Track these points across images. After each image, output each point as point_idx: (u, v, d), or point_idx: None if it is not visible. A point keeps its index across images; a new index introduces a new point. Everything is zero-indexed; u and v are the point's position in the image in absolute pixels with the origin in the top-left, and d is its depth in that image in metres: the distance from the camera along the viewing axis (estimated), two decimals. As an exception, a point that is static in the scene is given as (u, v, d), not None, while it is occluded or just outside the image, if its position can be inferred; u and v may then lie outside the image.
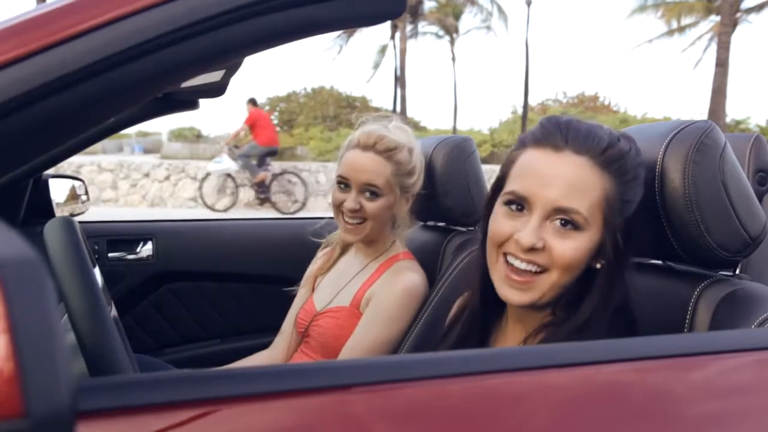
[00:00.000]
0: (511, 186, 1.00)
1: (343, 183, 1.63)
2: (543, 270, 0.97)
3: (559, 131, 0.98)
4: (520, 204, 0.99)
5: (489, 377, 0.69)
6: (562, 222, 0.96)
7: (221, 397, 0.61)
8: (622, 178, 0.97)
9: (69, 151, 1.87)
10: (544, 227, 0.97)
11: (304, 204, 11.98)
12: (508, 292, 0.99)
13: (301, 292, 1.87)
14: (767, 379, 0.79)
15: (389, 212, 1.65)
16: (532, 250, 0.96)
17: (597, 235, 0.97)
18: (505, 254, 0.99)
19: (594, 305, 0.98)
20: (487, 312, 1.12)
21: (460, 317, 1.18)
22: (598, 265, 1.00)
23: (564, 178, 0.95)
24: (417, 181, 1.67)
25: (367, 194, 1.60)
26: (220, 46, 0.70)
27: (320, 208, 12.41)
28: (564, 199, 0.95)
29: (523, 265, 0.97)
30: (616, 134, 1.00)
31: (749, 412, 0.76)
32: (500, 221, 1.00)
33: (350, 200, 1.61)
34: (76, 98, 0.64)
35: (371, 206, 1.61)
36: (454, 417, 0.66)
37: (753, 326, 0.93)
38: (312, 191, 12.62)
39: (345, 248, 1.84)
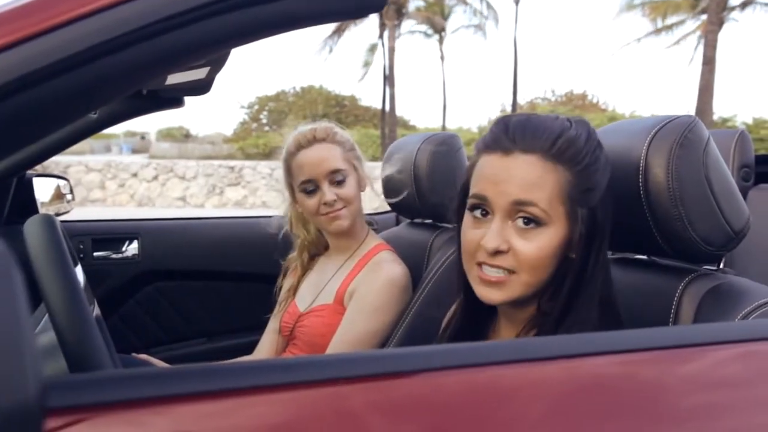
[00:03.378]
0: (472, 190, 1.01)
1: (309, 186, 1.64)
2: (513, 272, 0.97)
3: (506, 134, 0.98)
4: (483, 208, 0.99)
5: (478, 370, 0.68)
6: (525, 221, 0.96)
7: (214, 391, 0.60)
8: (577, 167, 0.96)
9: (53, 150, 1.86)
10: (507, 229, 0.96)
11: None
12: (483, 291, 0.99)
13: (282, 297, 1.87)
14: (752, 371, 0.80)
15: (359, 193, 1.69)
16: (498, 253, 0.96)
17: (562, 229, 0.96)
18: (478, 264, 0.99)
19: (574, 295, 0.98)
20: (478, 313, 1.12)
21: (452, 320, 1.18)
22: (573, 255, 0.99)
23: (517, 178, 0.95)
24: (361, 155, 1.73)
25: (336, 183, 1.63)
26: (203, 39, 0.69)
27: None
28: (521, 193, 0.95)
29: (492, 271, 0.97)
30: (568, 123, 1.00)
31: (734, 404, 0.77)
32: (469, 232, 1.01)
33: (326, 194, 1.62)
34: (58, 90, 0.63)
35: (345, 190, 1.64)
36: (446, 409, 0.65)
37: (737, 320, 0.93)
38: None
39: (317, 253, 1.85)
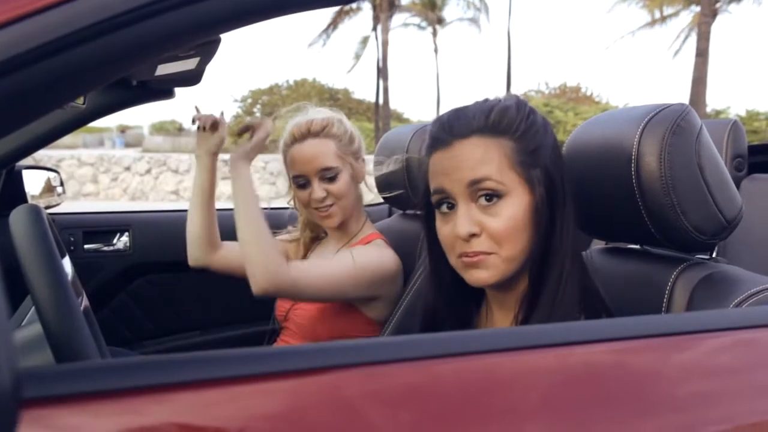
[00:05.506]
0: (431, 188, 1.04)
1: (301, 180, 1.64)
2: (492, 252, 0.98)
3: (443, 130, 1.02)
4: (447, 201, 1.01)
5: (475, 358, 0.68)
6: (486, 197, 0.98)
7: (207, 380, 0.60)
8: (515, 133, 0.99)
9: (43, 141, 1.84)
10: (473, 212, 0.98)
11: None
12: (472, 274, 1.00)
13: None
14: (746, 358, 0.80)
15: (354, 186, 1.68)
16: (472, 237, 0.98)
17: (525, 195, 0.98)
18: (458, 256, 1.01)
19: (545, 265, 0.99)
20: (459, 307, 1.13)
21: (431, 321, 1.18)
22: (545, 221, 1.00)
23: (464, 162, 0.98)
24: (360, 144, 1.72)
25: (327, 178, 1.62)
26: (188, 24, 0.68)
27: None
28: (471, 173, 0.97)
29: (474, 258, 0.99)
30: (496, 100, 1.03)
31: (728, 392, 0.76)
32: (443, 229, 1.03)
33: (315, 191, 1.62)
34: (41, 74, 0.62)
35: (336, 187, 1.62)
36: (442, 397, 0.65)
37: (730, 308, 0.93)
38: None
39: (317, 237, 1.85)
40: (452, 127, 1.00)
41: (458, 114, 1.02)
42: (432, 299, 1.14)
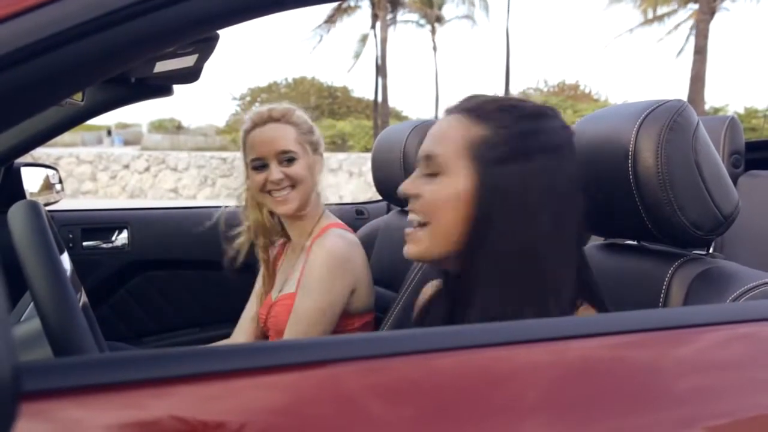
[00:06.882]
0: None
1: (258, 163, 1.64)
2: (424, 224, 1.01)
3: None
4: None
5: (475, 352, 0.69)
6: (430, 172, 1.02)
7: (207, 373, 0.60)
8: (482, 122, 0.98)
9: (41, 138, 1.84)
10: (420, 179, 1.03)
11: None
12: (405, 249, 1.06)
13: (257, 287, 1.86)
14: (743, 352, 0.80)
15: (311, 175, 1.67)
16: (412, 199, 1.03)
17: (465, 180, 0.97)
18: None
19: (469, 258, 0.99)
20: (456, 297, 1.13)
21: (427, 305, 1.19)
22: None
23: (432, 134, 1.05)
24: (319, 139, 1.72)
25: (285, 162, 1.62)
26: (188, 19, 0.68)
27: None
28: (427, 148, 1.03)
29: (410, 216, 1.05)
30: (529, 101, 1.04)
31: (725, 386, 0.77)
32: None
33: (273, 173, 1.61)
34: (39, 70, 0.62)
35: (294, 170, 1.62)
36: (442, 392, 0.65)
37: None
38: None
39: (284, 241, 1.83)
40: (455, 105, 1.06)
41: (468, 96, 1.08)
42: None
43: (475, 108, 1.01)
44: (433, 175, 1.00)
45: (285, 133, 1.63)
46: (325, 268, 1.55)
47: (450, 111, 1.05)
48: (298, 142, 1.64)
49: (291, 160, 1.62)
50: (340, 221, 1.71)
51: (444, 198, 0.98)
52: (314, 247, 1.61)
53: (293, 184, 1.62)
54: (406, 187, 1.04)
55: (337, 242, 1.60)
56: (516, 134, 0.97)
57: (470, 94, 1.06)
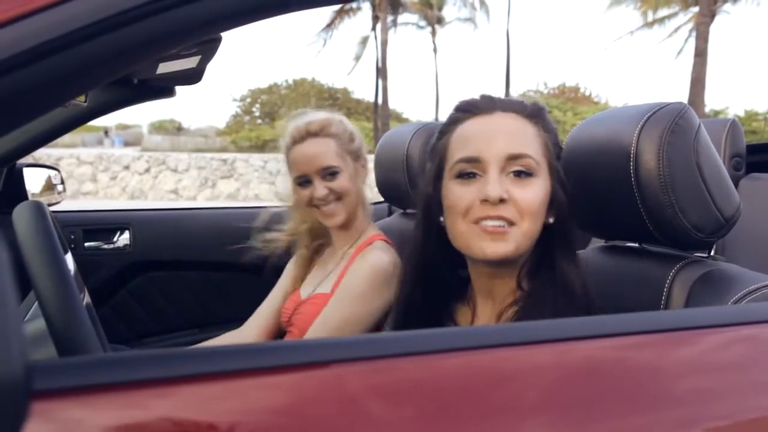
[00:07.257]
0: (457, 155, 1.03)
1: (302, 179, 1.64)
2: (512, 223, 0.99)
3: (482, 101, 1.07)
4: (471, 171, 1.01)
5: (479, 353, 0.69)
6: (516, 172, 1.00)
7: (210, 373, 0.60)
8: (546, 128, 1.06)
9: (44, 139, 1.84)
10: (503, 181, 0.99)
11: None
12: (489, 245, 0.98)
13: (283, 281, 1.86)
14: (745, 354, 0.80)
15: (355, 185, 1.67)
16: (501, 202, 0.97)
17: (548, 182, 1.03)
18: (475, 221, 1.00)
19: (563, 261, 1.04)
20: (439, 298, 1.14)
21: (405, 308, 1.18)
22: (551, 219, 1.04)
23: (506, 131, 1.02)
24: (361, 144, 1.72)
25: (328, 176, 1.62)
26: (194, 20, 0.68)
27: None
28: (513, 146, 1.00)
29: (494, 223, 0.98)
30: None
31: (727, 387, 0.77)
32: (457, 193, 1.02)
33: (317, 190, 1.62)
34: (43, 72, 0.62)
35: (337, 184, 1.62)
36: (444, 393, 0.66)
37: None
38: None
39: (322, 242, 1.83)
40: (493, 101, 1.05)
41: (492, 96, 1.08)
42: (408, 291, 1.14)
43: (525, 110, 1.05)
44: (521, 174, 1.00)
45: (325, 147, 1.62)
46: (366, 283, 1.56)
47: (497, 109, 1.05)
48: (338, 154, 1.63)
49: (333, 174, 1.62)
50: (382, 233, 1.73)
51: (540, 201, 1.01)
52: (358, 258, 1.62)
53: (338, 197, 1.63)
54: (498, 191, 0.97)
55: (382, 258, 1.60)
56: (555, 138, 1.07)
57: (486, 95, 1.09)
